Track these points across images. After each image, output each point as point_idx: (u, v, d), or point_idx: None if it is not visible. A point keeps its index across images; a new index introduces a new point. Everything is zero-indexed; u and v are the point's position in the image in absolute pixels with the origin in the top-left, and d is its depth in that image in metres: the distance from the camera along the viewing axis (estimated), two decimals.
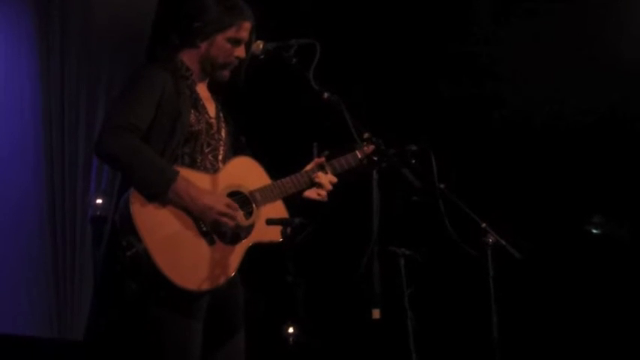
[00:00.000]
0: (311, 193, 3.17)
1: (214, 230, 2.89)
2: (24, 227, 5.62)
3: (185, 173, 2.89)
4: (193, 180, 2.90)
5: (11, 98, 5.66)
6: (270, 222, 2.89)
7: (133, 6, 5.95)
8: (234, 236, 2.95)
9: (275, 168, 3.18)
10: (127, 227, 2.81)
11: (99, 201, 5.38)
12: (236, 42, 3.09)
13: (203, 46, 3.09)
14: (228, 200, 2.93)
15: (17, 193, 5.61)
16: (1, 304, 5.39)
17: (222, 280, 2.89)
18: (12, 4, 5.75)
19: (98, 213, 5.34)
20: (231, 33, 3.07)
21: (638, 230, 5.37)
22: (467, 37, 5.95)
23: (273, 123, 5.88)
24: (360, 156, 3.17)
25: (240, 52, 3.10)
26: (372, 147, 3.01)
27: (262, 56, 3.13)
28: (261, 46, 3.12)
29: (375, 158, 2.96)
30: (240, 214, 2.96)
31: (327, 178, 3.16)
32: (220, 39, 3.07)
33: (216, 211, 2.87)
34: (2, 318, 5.33)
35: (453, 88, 6.00)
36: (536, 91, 5.84)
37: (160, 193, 2.82)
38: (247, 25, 3.10)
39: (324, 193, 3.15)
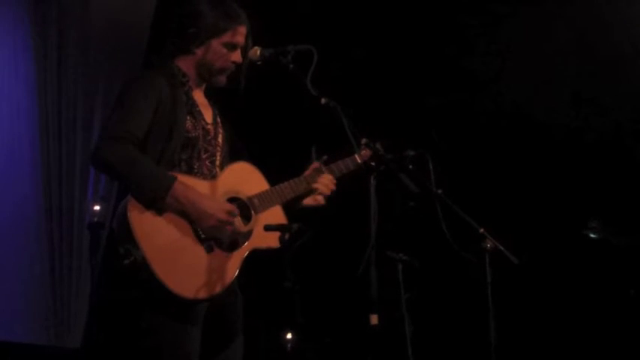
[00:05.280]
0: (309, 201, 3.17)
1: (211, 236, 2.89)
2: (21, 234, 5.61)
3: (183, 179, 2.89)
4: (192, 186, 2.90)
5: (7, 104, 5.65)
6: (268, 228, 2.88)
7: (131, 14, 5.96)
8: (232, 243, 2.94)
9: (274, 173, 3.18)
10: (124, 235, 2.80)
11: (96, 207, 5.37)
12: (232, 47, 3.09)
13: (199, 51, 3.08)
14: (229, 206, 2.91)
15: (14, 199, 5.59)
16: None
17: (220, 288, 2.88)
18: (9, 11, 5.74)
19: (96, 219, 5.33)
20: (226, 38, 3.07)
21: (635, 235, 5.37)
22: (467, 40, 5.96)
23: (271, 128, 5.88)
24: (359, 160, 3.17)
25: (236, 56, 3.10)
26: (369, 152, 3.01)
27: (259, 62, 3.13)
28: (258, 52, 3.11)
29: (373, 163, 2.96)
30: (238, 221, 2.96)
31: (325, 183, 3.16)
32: (216, 44, 3.07)
33: (216, 217, 2.86)
34: None
35: (452, 93, 6.01)
36: (536, 96, 5.85)
37: (158, 198, 2.80)
38: (242, 30, 3.10)
39: (320, 198, 3.15)
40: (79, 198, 5.83)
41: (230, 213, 2.89)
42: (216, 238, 2.89)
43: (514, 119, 5.94)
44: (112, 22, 5.92)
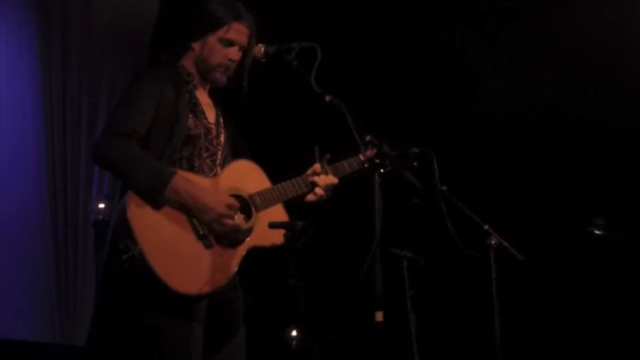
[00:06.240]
0: (310, 197, 3.16)
1: (211, 230, 2.88)
2: (26, 232, 5.62)
3: (184, 176, 2.89)
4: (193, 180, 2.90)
5: (12, 102, 5.67)
6: (272, 225, 2.88)
7: (134, 14, 5.97)
8: (232, 240, 2.94)
9: (277, 171, 3.17)
10: (123, 230, 2.80)
11: (101, 205, 5.38)
12: (227, 43, 3.09)
13: (197, 46, 3.10)
14: (230, 200, 2.91)
15: (19, 198, 5.60)
16: (3, 309, 5.38)
17: (219, 284, 2.87)
18: (13, 11, 5.76)
19: (100, 217, 5.34)
20: (221, 33, 3.07)
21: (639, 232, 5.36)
22: (470, 39, 5.96)
23: (275, 126, 5.88)
24: (362, 159, 3.16)
25: (232, 53, 3.10)
26: (374, 150, 3.00)
27: (264, 59, 3.13)
28: (262, 49, 3.12)
29: (377, 161, 2.95)
30: (239, 218, 2.96)
31: (324, 180, 3.15)
32: (212, 39, 3.08)
33: (216, 211, 2.86)
34: (4, 323, 5.32)
35: (455, 90, 6.00)
36: (538, 94, 5.84)
37: (156, 191, 2.80)
38: (239, 27, 3.09)
39: (320, 191, 3.14)
40: (84, 196, 5.84)
41: (230, 207, 2.89)
42: (215, 232, 2.88)
43: (517, 117, 5.94)
44: (115, 21, 5.94)
